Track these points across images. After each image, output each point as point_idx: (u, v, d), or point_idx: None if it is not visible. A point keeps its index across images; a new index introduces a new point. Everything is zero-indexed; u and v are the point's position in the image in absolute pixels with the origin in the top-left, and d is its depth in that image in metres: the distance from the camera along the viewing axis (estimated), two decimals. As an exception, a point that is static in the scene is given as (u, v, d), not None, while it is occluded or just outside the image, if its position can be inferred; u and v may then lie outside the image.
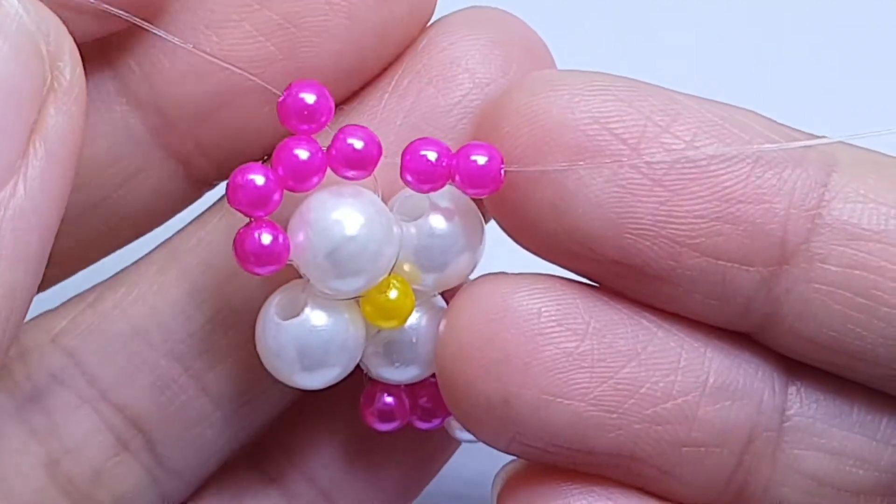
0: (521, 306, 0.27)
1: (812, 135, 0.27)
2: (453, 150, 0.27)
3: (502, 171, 0.26)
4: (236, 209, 0.27)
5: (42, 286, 0.25)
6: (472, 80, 0.28)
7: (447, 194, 0.27)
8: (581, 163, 0.26)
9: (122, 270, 0.31)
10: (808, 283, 0.26)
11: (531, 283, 0.27)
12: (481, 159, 0.26)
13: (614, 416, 0.27)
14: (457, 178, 0.27)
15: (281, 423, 0.32)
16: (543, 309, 0.27)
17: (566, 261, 0.27)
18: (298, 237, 0.27)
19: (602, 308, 0.27)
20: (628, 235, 0.26)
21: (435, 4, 0.28)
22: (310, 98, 0.26)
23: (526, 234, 0.27)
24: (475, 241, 0.28)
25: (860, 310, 0.26)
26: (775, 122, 0.27)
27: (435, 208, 0.27)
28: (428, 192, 0.27)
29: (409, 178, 0.27)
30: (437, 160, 0.27)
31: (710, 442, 0.27)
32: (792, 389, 0.28)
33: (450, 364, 0.27)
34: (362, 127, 0.27)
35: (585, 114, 0.26)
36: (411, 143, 0.27)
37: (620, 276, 0.27)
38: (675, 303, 0.27)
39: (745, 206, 0.26)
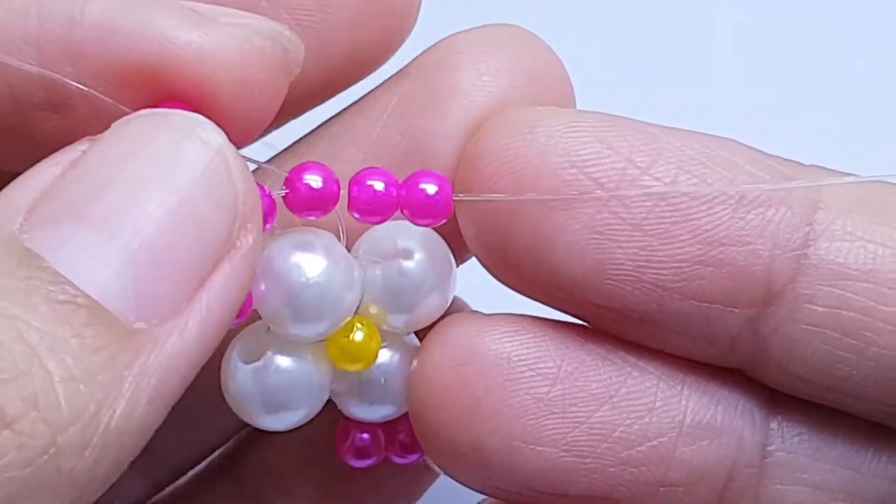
0: (491, 351, 0.26)
1: (798, 164, 0.26)
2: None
3: (452, 201, 0.25)
4: None
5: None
6: (468, 108, 0.26)
7: (415, 234, 0.26)
8: (532, 195, 0.25)
9: None
10: (794, 324, 0.25)
11: (502, 325, 0.26)
12: (431, 188, 0.25)
13: (588, 460, 0.26)
14: (404, 210, 0.25)
15: (260, 453, 0.31)
16: (514, 353, 0.26)
17: (548, 301, 0.26)
18: (260, 286, 0.25)
19: (574, 350, 0.26)
20: (609, 281, 0.25)
21: (410, 29, 0.26)
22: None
23: (507, 276, 0.26)
24: (444, 281, 0.26)
25: (849, 350, 0.25)
26: (762, 153, 0.26)
27: (401, 249, 0.26)
28: (377, 223, 0.26)
29: (355, 212, 0.26)
30: (384, 190, 0.25)
31: (688, 481, 0.26)
32: (773, 424, 0.27)
33: (421, 407, 0.26)
34: (318, 164, 0.25)
35: (562, 158, 0.25)
36: (357, 173, 0.26)
37: (603, 317, 0.26)
38: (659, 342, 0.26)
39: (728, 249, 0.25)
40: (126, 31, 0.23)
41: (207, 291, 0.22)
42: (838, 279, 0.25)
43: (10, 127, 0.24)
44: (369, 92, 0.28)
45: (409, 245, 0.26)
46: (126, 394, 0.21)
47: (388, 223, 0.26)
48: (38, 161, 0.23)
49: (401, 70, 0.28)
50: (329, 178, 0.25)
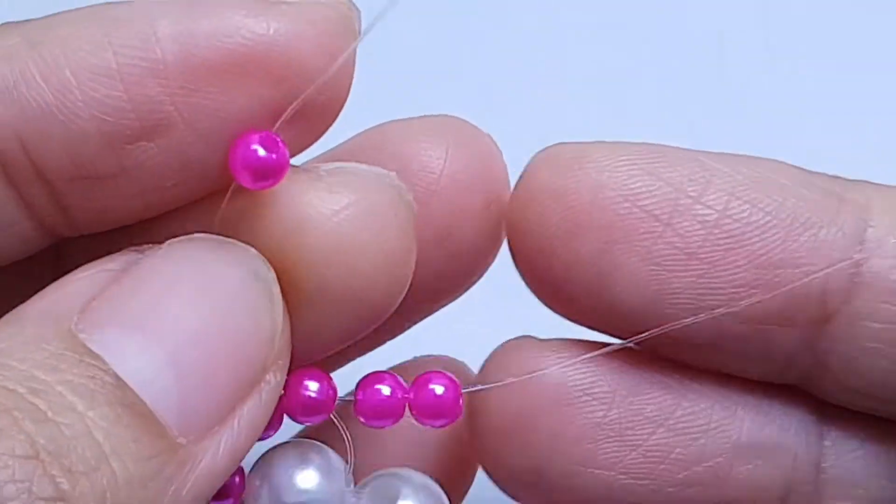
0: (548, 375, 0.26)
1: (846, 180, 0.26)
2: None
3: (461, 399, 0.25)
4: None
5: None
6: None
7: (418, 488, 0.25)
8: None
9: None
10: (851, 341, 0.25)
11: (557, 350, 0.26)
12: (438, 388, 0.25)
13: (646, 482, 0.26)
14: (413, 412, 0.25)
15: None
16: (569, 378, 0.26)
17: (607, 330, 0.27)
18: (255, 482, 0.25)
19: (629, 374, 0.26)
20: (668, 310, 0.25)
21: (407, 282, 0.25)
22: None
23: (563, 307, 0.27)
24: None
25: None
26: (809, 172, 0.26)
27: (406, 497, 0.25)
28: (382, 427, 0.25)
29: (361, 416, 0.25)
30: (391, 394, 0.25)
31: (744, 500, 0.26)
32: (828, 441, 0.27)
33: (482, 434, 0.27)
34: (318, 371, 0.25)
35: (615, 192, 0.25)
36: (364, 378, 0.25)
37: (662, 344, 0.26)
38: (717, 364, 0.26)
39: (783, 272, 0.25)
40: (202, 33, 0.23)
41: (238, 416, 0.22)
42: (893, 295, 0.25)
43: (109, 171, 0.23)
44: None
45: (416, 495, 0.25)
46: None
47: (399, 470, 0.26)
48: (146, 202, 0.23)
49: (332, 151, 0.27)
50: (325, 385, 0.25)
